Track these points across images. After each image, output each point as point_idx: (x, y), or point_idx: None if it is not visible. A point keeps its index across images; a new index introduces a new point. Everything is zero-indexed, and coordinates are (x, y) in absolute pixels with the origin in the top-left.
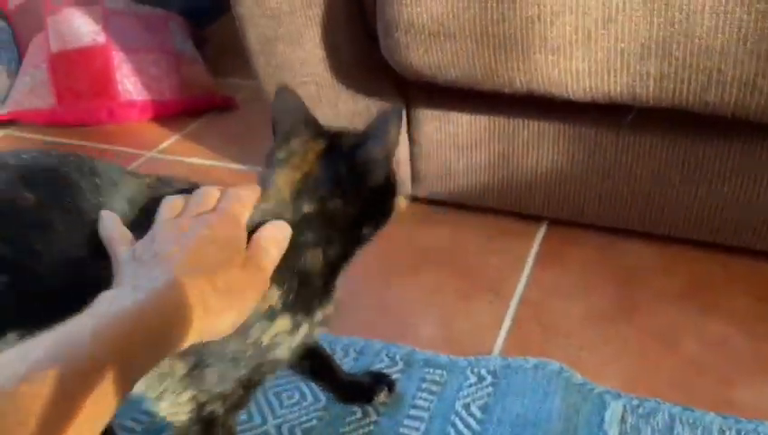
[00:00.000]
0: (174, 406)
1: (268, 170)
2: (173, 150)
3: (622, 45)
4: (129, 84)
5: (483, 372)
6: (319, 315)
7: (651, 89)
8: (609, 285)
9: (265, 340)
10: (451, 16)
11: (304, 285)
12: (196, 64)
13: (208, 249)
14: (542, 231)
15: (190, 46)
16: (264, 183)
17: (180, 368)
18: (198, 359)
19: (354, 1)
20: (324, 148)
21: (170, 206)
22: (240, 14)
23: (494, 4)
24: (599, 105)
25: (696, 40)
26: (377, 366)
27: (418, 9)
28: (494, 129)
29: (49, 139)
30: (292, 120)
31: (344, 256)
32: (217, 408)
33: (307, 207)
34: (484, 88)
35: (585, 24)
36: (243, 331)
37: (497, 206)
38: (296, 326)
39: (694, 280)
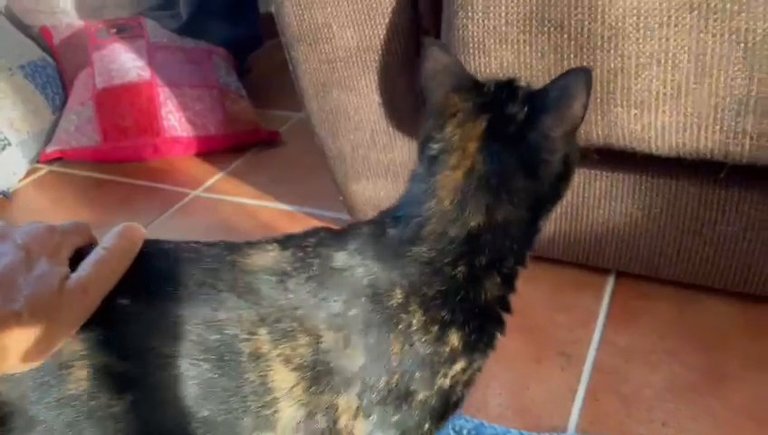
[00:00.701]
0: None
1: (422, 169)
2: (219, 189)
3: (716, 101)
4: (174, 120)
5: None
6: (494, 345)
7: (747, 147)
8: (690, 348)
9: (450, 384)
10: (523, 67)
11: (487, 320)
12: (240, 99)
13: None
14: (610, 284)
15: (234, 80)
16: (414, 181)
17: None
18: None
19: (412, 45)
20: (486, 129)
21: None
22: (294, 57)
23: (572, 55)
24: (682, 159)
25: None
26: None
27: (486, 59)
28: None
29: (94, 175)
30: (445, 89)
31: (518, 268)
32: None
33: (474, 220)
34: None
35: (674, 78)
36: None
37: (563, 257)
38: (470, 364)
39: None
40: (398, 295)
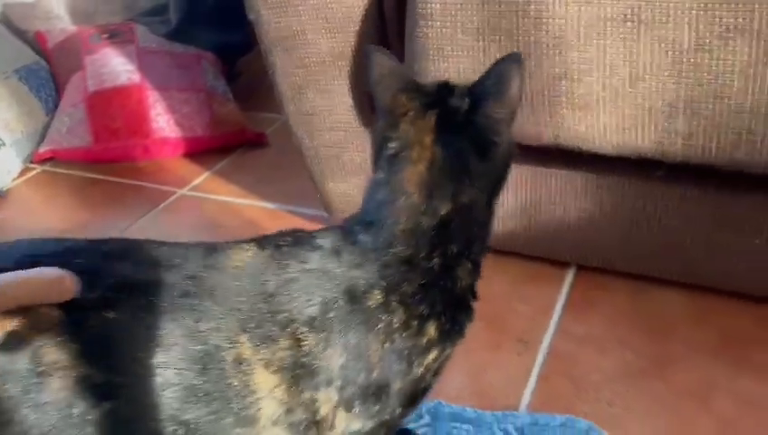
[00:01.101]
0: None
1: (381, 168)
2: (205, 188)
3: (650, 104)
4: (162, 122)
5: (510, 428)
6: (464, 333)
7: (680, 146)
8: (640, 335)
9: (421, 372)
10: (478, 72)
11: (459, 309)
12: (227, 102)
13: None
14: (569, 276)
15: (222, 84)
16: (375, 186)
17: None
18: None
19: None
20: (437, 121)
21: None
22: (272, 62)
23: None
24: (627, 158)
25: (726, 100)
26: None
27: (445, 64)
28: (521, 177)
29: (85, 174)
30: (392, 92)
31: (484, 252)
32: None
33: (443, 207)
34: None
35: (612, 83)
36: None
37: (524, 251)
38: (442, 352)
39: (726, 332)
40: (378, 296)
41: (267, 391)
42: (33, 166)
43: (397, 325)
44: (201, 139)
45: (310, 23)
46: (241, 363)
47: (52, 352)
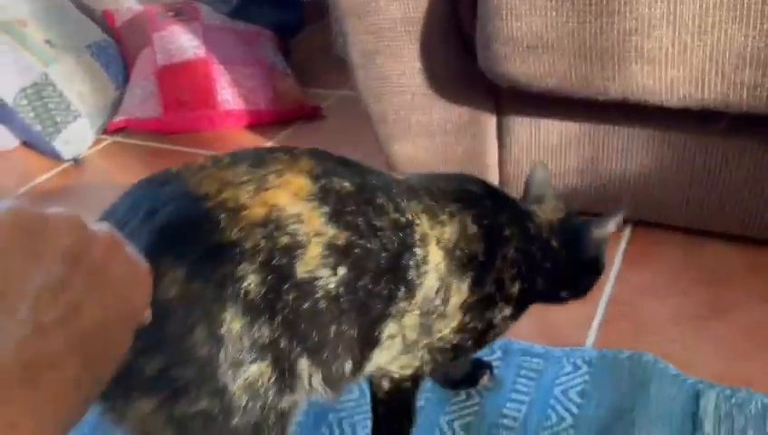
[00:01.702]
0: (410, 363)
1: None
2: None
3: (717, 56)
4: (227, 95)
5: (578, 361)
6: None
7: (745, 97)
8: (697, 285)
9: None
10: (550, 30)
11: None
12: (287, 77)
13: None
14: (627, 233)
15: (281, 60)
16: None
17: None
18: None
19: (452, 16)
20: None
21: None
22: (344, 29)
23: (593, 19)
24: (690, 112)
25: None
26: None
27: (518, 24)
28: (583, 134)
29: (154, 145)
30: (540, 190)
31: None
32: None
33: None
34: (578, 96)
35: (681, 36)
36: None
37: (585, 209)
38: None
39: None
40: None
41: (434, 264)
42: (104, 137)
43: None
44: (263, 112)
45: None
46: (424, 238)
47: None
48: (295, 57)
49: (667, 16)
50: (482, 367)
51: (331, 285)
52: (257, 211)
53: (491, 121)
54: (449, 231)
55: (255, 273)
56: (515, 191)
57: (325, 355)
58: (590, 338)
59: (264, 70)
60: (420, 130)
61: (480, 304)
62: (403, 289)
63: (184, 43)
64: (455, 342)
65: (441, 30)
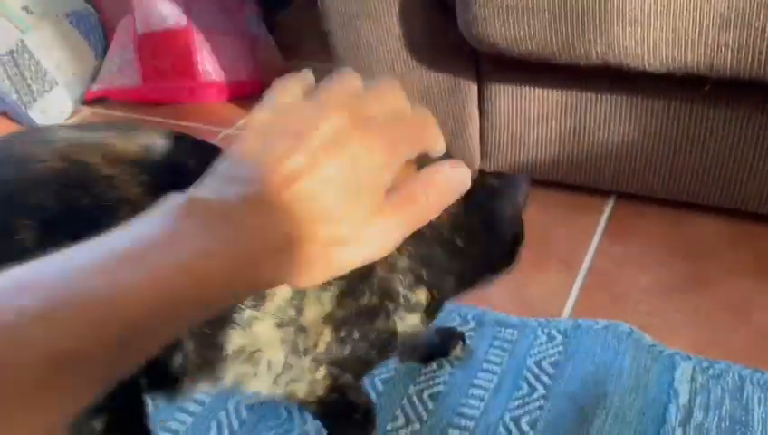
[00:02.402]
0: (310, 385)
1: None
2: None
3: (701, 16)
4: (208, 65)
5: (553, 332)
6: None
7: (729, 60)
8: (677, 257)
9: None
10: (526, 9)
11: None
12: (269, 47)
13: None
14: (609, 205)
15: (264, 30)
16: None
17: (326, 337)
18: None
19: None
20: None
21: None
22: None
23: None
24: (672, 78)
25: None
26: (448, 325)
27: None
28: (565, 103)
29: (133, 116)
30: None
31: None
32: (349, 378)
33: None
34: (559, 61)
35: None
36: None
37: (566, 180)
38: None
39: (763, 254)
40: None
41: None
42: (83, 107)
43: None
44: (245, 83)
45: None
46: None
47: None
48: (281, 32)
49: None
50: (454, 337)
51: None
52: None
53: (472, 89)
54: None
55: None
56: (497, 162)
57: None
58: (567, 309)
59: (246, 40)
60: None
61: (360, 317)
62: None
63: (165, 11)
64: (346, 354)
65: None
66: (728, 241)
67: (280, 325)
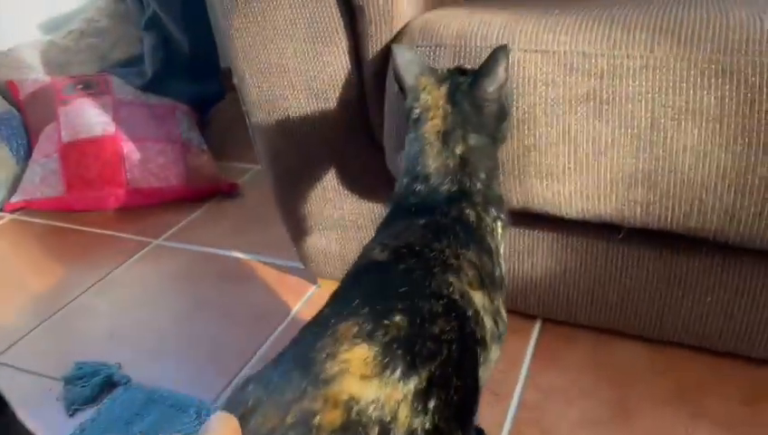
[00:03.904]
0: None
1: (410, 130)
2: (180, 238)
3: (611, 175)
4: (136, 172)
5: None
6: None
7: (638, 214)
8: (603, 386)
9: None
10: None
11: (502, 206)
12: (202, 153)
13: None
14: (536, 330)
15: (197, 135)
16: (409, 144)
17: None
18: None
19: (361, 116)
20: (447, 91)
21: None
22: (253, 123)
23: None
24: (589, 223)
25: (679, 174)
26: None
27: None
28: None
29: (56, 223)
30: (414, 74)
31: (498, 182)
32: None
33: (459, 148)
34: None
35: (577, 156)
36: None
37: None
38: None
39: (684, 383)
40: (471, 213)
41: (480, 305)
42: (2, 214)
43: (492, 227)
44: (176, 189)
45: (292, 88)
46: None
47: None
48: (214, 128)
49: (563, 135)
50: None
51: (429, 424)
52: (331, 416)
53: None
54: (468, 268)
55: None
56: None
57: None
58: None
59: (177, 146)
60: (331, 223)
61: (501, 287)
62: (479, 349)
63: (92, 118)
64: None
65: (353, 130)
66: (651, 369)
67: (493, 340)
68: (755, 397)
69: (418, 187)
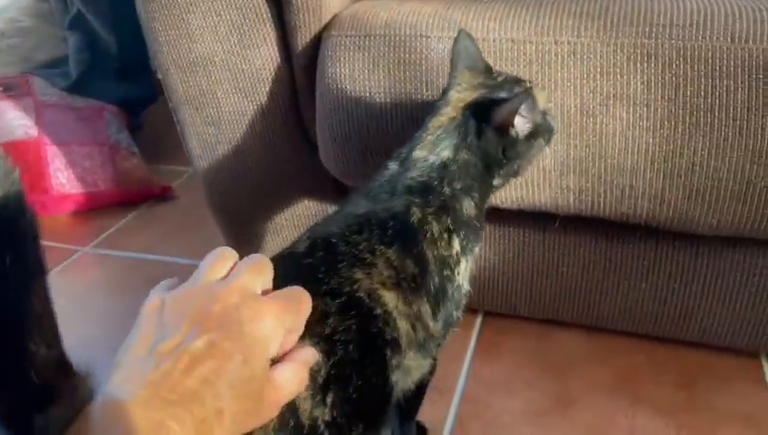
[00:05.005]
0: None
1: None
2: (109, 244)
3: (544, 163)
4: (62, 177)
5: None
6: (476, 251)
7: (572, 201)
8: (544, 377)
9: (461, 281)
10: (384, 134)
11: (470, 229)
12: (131, 155)
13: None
14: (478, 322)
15: (126, 137)
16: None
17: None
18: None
19: (293, 111)
20: (474, 99)
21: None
22: (181, 120)
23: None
24: (525, 212)
25: (609, 160)
26: None
27: (354, 125)
28: None
29: None
30: (462, 65)
31: (482, 199)
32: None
33: (444, 153)
34: None
35: None
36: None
37: None
38: (466, 264)
39: (622, 370)
40: (417, 213)
41: (393, 307)
42: None
43: (436, 235)
44: (104, 194)
45: (220, 83)
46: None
47: None
48: (146, 132)
49: None
50: None
51: (327, 417)
52: None
53: None
54: (383, 267)
55: None
56: None
57: None
58: None
59: (105, 149)
60: (266, 224)
61: (439, 298)
62: (389, 351)
63: (13, 121)
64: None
65: (284, 125)
66: (590, 357)
67: (419, 348)
68: (690, 381)
69: (391, 165)
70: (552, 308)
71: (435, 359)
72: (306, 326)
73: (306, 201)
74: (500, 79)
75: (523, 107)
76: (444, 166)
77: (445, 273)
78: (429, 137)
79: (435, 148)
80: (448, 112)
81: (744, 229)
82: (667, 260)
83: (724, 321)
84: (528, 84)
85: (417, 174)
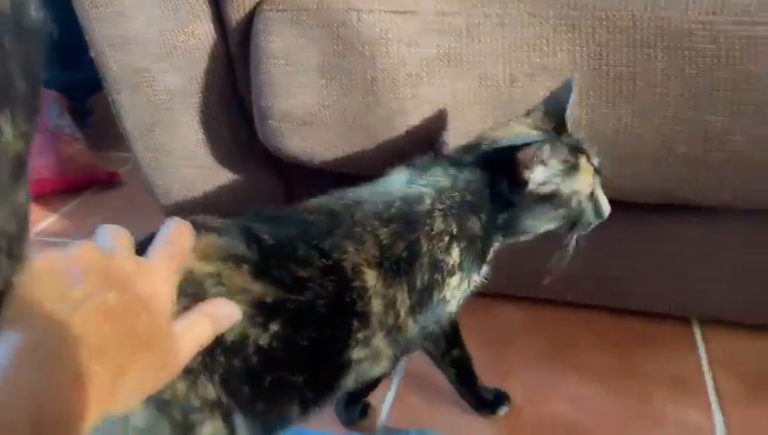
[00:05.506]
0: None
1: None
2: (53, 231)
3: (475, 133)
4: None
5: None
6: (476, 277)
7: None
8: (484, 348)
9: (449, 296)
10: (321, 107)
11: (474, 248)
12: (74, 141)
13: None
14: None
15: (68, 122)
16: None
17: None
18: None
19: (230, 89)
20: (498, 147)
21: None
22: (117, 101)
23: (360, 97)
24: None
25: None
26: None
27: (291, 101)
28: None
29: None
30: (548, 105)
31: (488, 225)
32: None
33: (458, 175)
34: (358, 172)
35: (441, 116)
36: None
37: None
38: (461, 282)
39: (559, 338)
40: (427, 203)
41: (372, 286)
42: None
43: (435, 232)
44: (47, 181)
45: (155, 60)
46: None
47: None
48: (95, 119)
49: (426, 96)
50: None
51: (263, 341)
52: None
53: (279, 194)
54: (370, 245)
55: None
56: None
57: (258, 406)
58: (383, 418)
59: (46, 135)
60: (208, 205)
61: (424, 298)
62: (356, 322)
63: None
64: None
65: (221, 102)
66: (526, 328)
67: (388, 332)
68: (629, 349)
69: (420, 162)
70: (494, 282)
71: (398, 358)
72: (282, 259)
73: (245, 180)
74: (546, 138)
75: (546, 150)
76: (454, 180)
77: (435, 276)
78: (459, 151)
79: (459, 170)
80: (486, 138)
81: (667, 195)
82: (599, 229)
83: (658, 288)
84: (580, 145)
85: (440, 178)
